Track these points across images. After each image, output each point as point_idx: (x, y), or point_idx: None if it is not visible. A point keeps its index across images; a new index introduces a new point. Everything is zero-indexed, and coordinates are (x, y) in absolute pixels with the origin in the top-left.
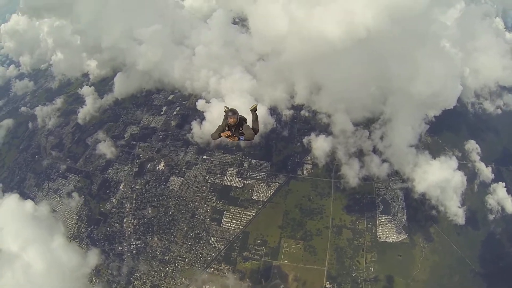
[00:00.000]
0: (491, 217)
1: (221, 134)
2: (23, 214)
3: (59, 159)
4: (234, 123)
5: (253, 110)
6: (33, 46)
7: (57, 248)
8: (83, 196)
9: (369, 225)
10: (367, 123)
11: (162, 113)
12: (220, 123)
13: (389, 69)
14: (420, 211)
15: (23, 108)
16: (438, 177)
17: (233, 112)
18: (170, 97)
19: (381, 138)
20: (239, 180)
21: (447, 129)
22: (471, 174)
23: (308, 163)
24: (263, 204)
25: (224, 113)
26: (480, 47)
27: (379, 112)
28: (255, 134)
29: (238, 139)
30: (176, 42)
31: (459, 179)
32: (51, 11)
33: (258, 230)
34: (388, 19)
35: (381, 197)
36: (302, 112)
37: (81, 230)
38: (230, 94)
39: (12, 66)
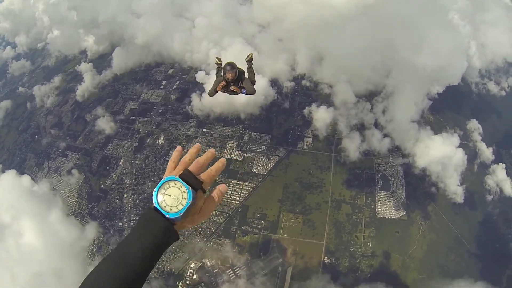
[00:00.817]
0: (489, 198)
1: (217, 89)
2: (20, 189)
3: (59, 137)
4: (232, 78)
5: (249, 61)
6: (29, 25)
7: (55, 222)
8: (83, 173)
9: (368, 201)
10: (369, 96)
11: (161, 87)
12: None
13: (394, 38)
14: (419, 189)
15: (20, 89)
16: (439, 153)
17: (232, 66)
18: (170, 71)
19: (383, 112)
20: (239, 153)
21: (449, 108)
22: (471, 154)
23: (309, 137)
24: (262, 177)
25: (216, 65)
26: (488, 21)
27: (382, 85)
28: (254, 84)
29: (241, 91)
30: (175, 15)
31: (460, 156)
32: None
33: (257, 203)
34: None
35: (381, 173)
36: (304, 82)
37: (82, 207)
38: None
39: (8, 48)
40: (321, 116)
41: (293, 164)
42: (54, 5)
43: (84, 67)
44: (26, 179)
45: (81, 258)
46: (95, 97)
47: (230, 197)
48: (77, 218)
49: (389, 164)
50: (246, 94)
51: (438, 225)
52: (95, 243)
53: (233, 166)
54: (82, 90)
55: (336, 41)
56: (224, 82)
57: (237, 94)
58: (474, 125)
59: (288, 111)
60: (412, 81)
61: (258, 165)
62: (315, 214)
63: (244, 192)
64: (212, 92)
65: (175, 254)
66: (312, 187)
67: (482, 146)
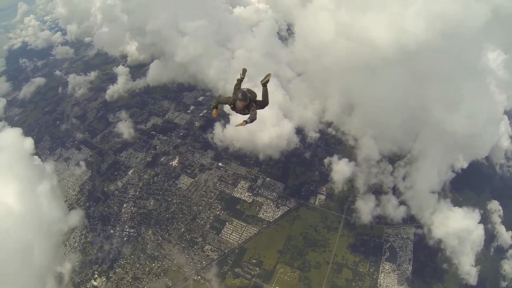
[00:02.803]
0: (504, 284)
1: (221, 101)
2: (19, 149)
3: (78, 130)
4: (242, 108)
5: (265, 84)
6: (83, 17)
7: (41, 194)
8: (91, 171)
9: (371, 270)
10: (392, 159)
11: (188, 111)
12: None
13: (428, 96)
14: (428, 266)
15: (58, 72)
16: (459, 225)
17: (244, 96)
18: (200, 98)
19: (404, 178)
20: (249, 195)
21: (470, 188)
22: (489, 236)
23: (322, 194)
24: (267, 224)
25: (240, 77)
26: None
27: (407, 149)
28: (266, 105)
29: (246, 123)
30: (218, 43)
31: (480, 233)
32: None
33: (256, 249)
34: (439, 33)
35: (389, 244)
36: (329, 130)
37: (80, 203)
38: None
39: (58, 33)
40: (340, 168)
41: (301, 218)
42: (110, 5)
43: (121, 70)
44: (29, 142)
45: (55, 241)
46: (123, 102)
47: (230, 236)
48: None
49: (399, 235)
50: (249, 122)
51: None
52: (80, 241)
53: (240, 207)
54: (113, 90)
55: (370, 89)
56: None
57: (243, 124)
58: (495, 206)
59: (307, 164)
60: (439, 147)
61: (265, 211)
62: (313, 272)
63: (245, 235)
64: (215, 103)
65: (158, 278)
66: (316, 245)
67: (501, 228)
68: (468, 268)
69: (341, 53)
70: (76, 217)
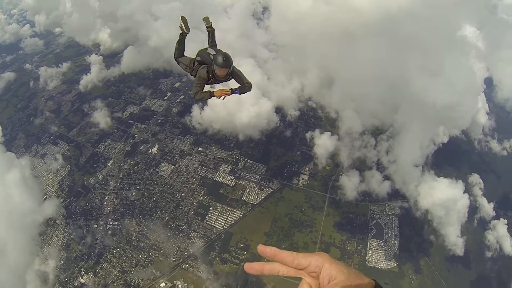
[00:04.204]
0: (488, 254)
1: (214, 93)
2: None
3: (54, 124)
4: (224, 77)
5: (207, 24)
6: (51, 7)
7: (11, 184)
8: (69, 165)
9: (359, 247)
10: (375, 132)
11: (165, 98)
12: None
13: (408, 66)
14: (413, 241)
15: (27, 65)
16: (445, 195)
17: (227, 61)
18: (177, 84)
19: (387, 152)
20: (231, 179)
21: (450, 163)
22: (471, 209)
23: (305, 174)
24: (252, 207)
25: (180, 30)
26: (506, 58)
27: (389, 123)
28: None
29: (232, 93)
30: (192, 26)
31: (465, 202)
32: None
33: (242, 233)
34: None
35: (375, 221)
36: (309, 103)
37: (60, 199)
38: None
39: (27, 26)
40: (323, 142)
41: (286, 199)
42: None
43: (94, 59)
44: None
45: (30, 234)
46: (98, 92)
47: (215, 222)
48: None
49: (384, 212)
50: (240, 93)
51: (430, 281)
52: (64, 239)
53: (223, 191)
54: (87, 80)
55: (349, 60)
56: (227, 91)
57: (227, 95)
58: (475, 179)
59: (288, 144)
60: (420, 119)
61: (249, 193)
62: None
63: (230, 219)
64: (201, 95)
65: (146, 270)
66: (302, 225)
67: (483, 201)
68: (454, 239)
69: (319, 21)
70: (51, 206)
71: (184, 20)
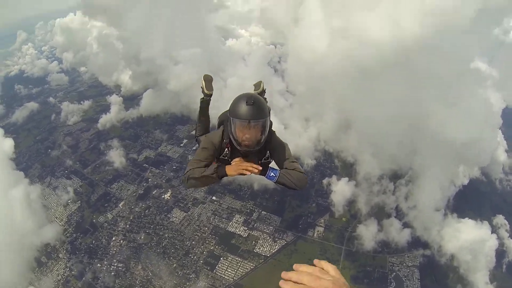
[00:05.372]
0: None
1: (227, 171)
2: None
3: (70, 159)
4: (251, 142)
5: (260, 93)
6: (79, 47)
7: (14, 199)
8: (80, 201)
9: None
10: (393, 177)
11: (181, 145)
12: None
13: (425, 101)
14: None
15: (51, 99)
16: (471, 236)
17: (257, 110)
18: (193, 132)
19: (406, 197)
20: (245, 229)
21: (472, 206)
22: (499, 253)
23: (321, 226)
24: (264, 259)
25: (204, 99)
26: None
27: (407, 166)
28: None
29: (261, 173)
30: (211, 72)
31: (494, 243)
32: (105, 14)
33: (253, 285)
34: (433, 27)
35: (394, 273)
36: (326, 147)
37: (66, 234)
38: None
39: (55, 62)
40: (340, 188)
41: (300, 252)
42: (106, 34)
43: (114, 99)
44: (8, 143)
45: (25, 258)
46: (116, 133)
47: (225, 273)
48: (57, 242)
49: (404, 264)
50: (279, 183)
51: None
52: (64, 274)
53: (235, 241)
54: (105, 119)
55: (365, 100)
56: (254, 167)
57: (250, 171)
58: (500, 220)
59: (303, 196)
60: (439, 159)
61: (262, 245)
62: None
63: (241, 271)
64: (198, 175)
65: None
66: None
67: (510, 243)
68: (483, 286)
69: (335, 60)
70: (52, 231)
71: (207, 78)
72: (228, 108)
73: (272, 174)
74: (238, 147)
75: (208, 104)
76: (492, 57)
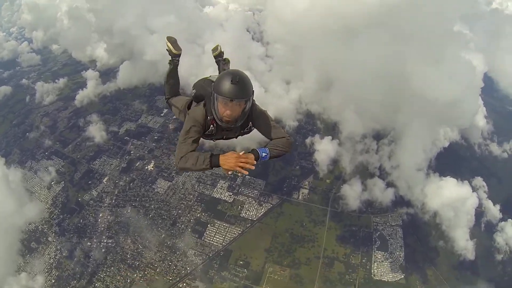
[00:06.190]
0: (499, 257)
1: (220, 162)
2: None
3: (49, 140)
4: (235, 117)
5: (218, 55)
6: (49, 24)
7: None
8: (63, 182)
9: (363, 260)
10: (376, 137)
11: (162, 115)
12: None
13: (408, 62)
14: (419, 251)
15: (24, 81)
16: (454, 194)
17: (236, 80)
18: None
19: (389, 157)
20: (229, 195)
21: (452, 169)
22: (477, 213)
23: (305, 188)
24: (251, 223)
25: (169, 55)
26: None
27: (390, 125)
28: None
29: (258, 159)
30: (188, 40)
31: (475, 201)
32: None
33: (242, 250)
34: None
35: (378, 232)
36: (308, 107)
37: (53, 216)
38: None
39: (25, 43)
40: (324, 147)
41: (286, 214)
42: (76, 7)
43: (90, 74)
44: None
45: (10, 240)
46: (95, 108)
47: (213, 239)
48: (44, 226)
49: (388, 223)
50: (272, 157)
51: None
52: (56, 257)
53: (221, 207)
54: (82, 95)
55: (347, 59)
56: (245, 162)
57: (246, 167)
58: (479, 182)
59: (286, 158)
60: (422, 119)
61: (248, 209)
62: (304, 269)
63: (229, 236)
64: (191, 162)
65: None
66: (304, 241)
67: (488, 203)
68: (464, 242)
69: (317, 17)
70: (34, 210)
71: (171, 39)
72: (204, 76)
73: (264, 154)
74: (220, 123)
75: (177, 65)
76: (473, 25)
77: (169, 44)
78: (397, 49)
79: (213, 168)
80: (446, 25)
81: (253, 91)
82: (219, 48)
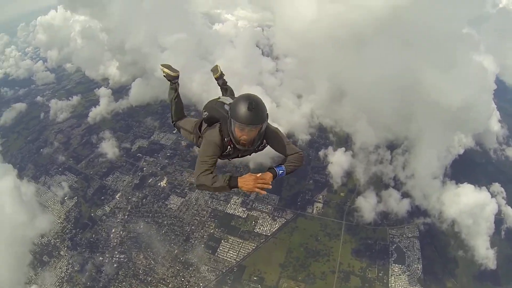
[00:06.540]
0: None
1: (239, 184)
2: None
3: (63, 156)
4: (251, 140)
5: (216, 74)
6: (63, 43)
7: (3, 191)
8: (76, 197)
9: (380, 274)
10: (389, 147)
11: (174, 132)
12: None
13: (419, 67)
14: (437, 263)
15: (39, 98)
16: (472, 200)
17: (253, 107)
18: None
19: (403, 167)
20: (243, 210)
21: (468, 176)
22: (497, 220)
23: (319, 202)
24: (265, 238)
25: (168, 79)
26: None
27: (403, 135)
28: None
29: (275, 177)
30: (199, 57)
31: (494, 207)
32: (87, 7)
33: (256, 265)
34: None
35: (395, 245)
36: (320, 120)
37: (65, 231)
38: None
39: (40, 62)
40: (337, 159)
41: (300, 229)
42: (89, 27)
43: (103, 92)
44: None
45: (20, 252)
46: (107, 126)
47: (226, 255)
48: (57, 240)
49: (404, 235)
50: (288, 173)
51: None
52: (67, 271)
53: (235, 223)
54: (95, 113)
55: (358, 67)
56: (264, 181)
57: (265, 187)
58: (497, 188)
59: (300, 173)
60: (435, 126)
61: (262, 225)
62: (319, 284)
63: (243, 252)
64: (211, 182)
65: None
66: (319, 255)
67: (508, 210)
68: (484, 251)
69: (325, 26)
70: (45, 221)
71: (165, 65)
72: (214, 97)
73: (281, 171)
74: (237, 145)
75: (177, 87)
76: (480, 27)
77: (165, 70)
78: (407, 55)
79: (232, 189)
80: (455, 28)
81: (267, 114)
82: (219, 69)
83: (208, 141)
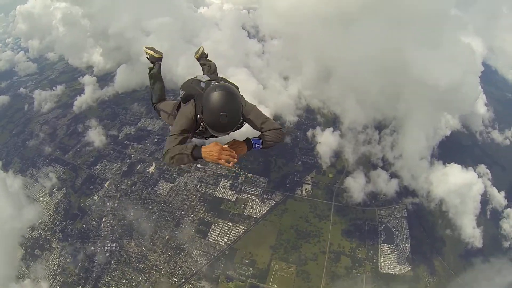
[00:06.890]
0: (506, 244)
1: (202, 154)
2: None
3: (49, 147)
4: (232, 126)
5: (200, 57)
6: (44, 32)
7: None
8: (65, 188)
9: (369, 254)
10: (377, 127)
11: (161, 117)
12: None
13: (406, 47)
14: (425, 242)
15: (22, 89)
16: (460, 180)
17: (228, 117)
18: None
19: (391, 147)
20: (232, 193)
21: (454, 157)
22: (482, 200)
23: (308, 183)
24: (255, 220)
25: (150, 62)
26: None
27: (391, 115)
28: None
29: (249, 149)
30: (184, 40)
31: (481, 187)
32: None
33: (247, 248)
34: None
35: (384, 225)
36: (308, 101)
37: (56, 222)
38: None
39: (21, 53)
40: (326, 139)
41: (290, 211)
42: (71, 14)
43: (87, 80)
44: None
45: (9, 245)
46: (93, 114)
47: (217, 238)
48: (48, 232)
49: (392, 215)
50: (265, 148)
51: (446, 281)
52: (59, 263)
53: (225, 206)
54: (80, 101)
55: (346, 47)
56: (230, 153)
57: (236, 157)
58: (482, 169)
59: (288, 155)
60: (423, 106)
61: (251, 207)
62: (310, 265)
63: (234, 235)
64: (175, 155)
65: None
66: (309, 236)
67: (493, 190)
68: (471, 230)
69: (311, 4)
70: (32, 212)
71: (149, 47)
72: (192, 77)
73: (257, 145)
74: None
75: (160, 69)
76: (468, 9)
77: (149, 51)
78: (395, 34)
79: (197, 160)
80: (444, 8)
81: (242, 105)
82: (201, 50)
83: (180, 113)
